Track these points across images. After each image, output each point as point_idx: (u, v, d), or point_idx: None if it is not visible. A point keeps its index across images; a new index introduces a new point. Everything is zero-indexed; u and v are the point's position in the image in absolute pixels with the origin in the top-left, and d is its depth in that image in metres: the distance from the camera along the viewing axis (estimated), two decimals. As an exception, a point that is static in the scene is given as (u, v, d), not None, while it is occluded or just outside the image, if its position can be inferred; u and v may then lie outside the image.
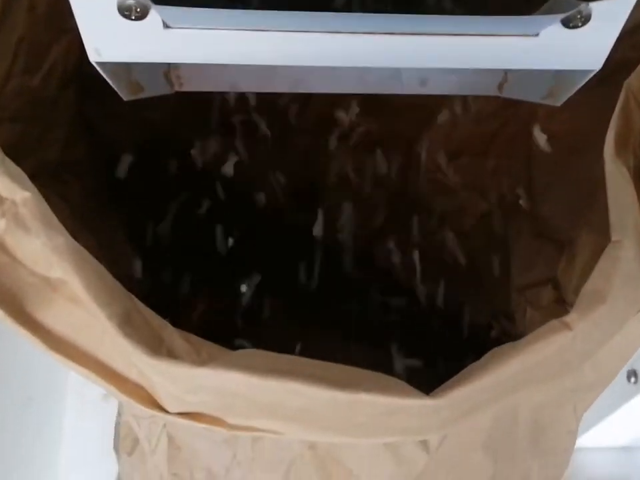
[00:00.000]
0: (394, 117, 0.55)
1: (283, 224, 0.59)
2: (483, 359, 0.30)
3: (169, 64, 0.37)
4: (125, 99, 0.33)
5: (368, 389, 0.25)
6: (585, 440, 0.69)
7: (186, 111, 0.51)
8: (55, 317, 0.27)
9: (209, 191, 0.56)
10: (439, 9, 0.43)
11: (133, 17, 0.28)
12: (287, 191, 0.58)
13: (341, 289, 0.59)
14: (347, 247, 0.59)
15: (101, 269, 0.27)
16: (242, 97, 0.53)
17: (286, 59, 0.30)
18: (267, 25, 0.29)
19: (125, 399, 0.27)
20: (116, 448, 0.44)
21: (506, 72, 0.40)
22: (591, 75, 0.33)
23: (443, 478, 0.33)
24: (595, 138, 0.42)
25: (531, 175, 0.49)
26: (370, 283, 0.60)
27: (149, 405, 0.28)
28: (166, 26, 0.28)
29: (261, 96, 0.53)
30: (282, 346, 0.29)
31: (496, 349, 0.32)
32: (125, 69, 0.32)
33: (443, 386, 0.26)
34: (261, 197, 0.58)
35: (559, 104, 0.36)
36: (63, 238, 0.26)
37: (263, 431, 0.27)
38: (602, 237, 0.39)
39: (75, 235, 0.38)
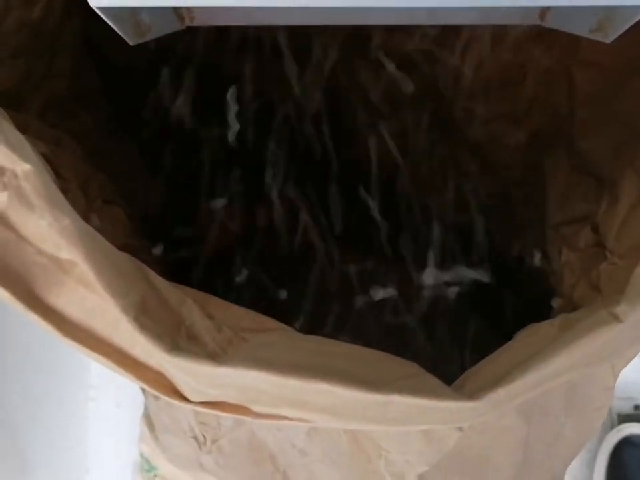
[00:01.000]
0: (426, 41, 0.50)
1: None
2: (521, 339, 0.29)
3: None
4: (131, 43, 0.30)
5: (400, 390, 0.23)
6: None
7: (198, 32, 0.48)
8: (67, 300, 0.25)
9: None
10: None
11: None
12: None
13: (367, 222, 0.58)
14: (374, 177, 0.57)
15: (113, 250, 0.26)
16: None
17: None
18: None
19: (144, 386, 0.26)
20: (142, 389, 0.44)
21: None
22: None
23: (475, 443, 0.33)
24: None
25: (572, 106, 0.45)
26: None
27: (171, 394, 0.26)
28: None
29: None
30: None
31: (535, 327, 0.30)
32: (129, 10, 0.29)
33: (480, 383, 0.24)
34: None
35: (609, 40, 0.32)
36: (69, 219, 0.24)
37: (291, 419, 0.26)
38: None
39: (89, 179, 0.37)
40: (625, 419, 0.70)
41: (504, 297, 0.56)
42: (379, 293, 0.59)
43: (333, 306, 0.58)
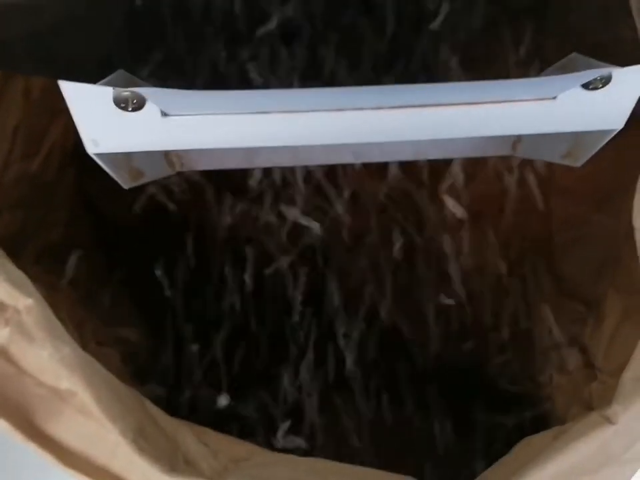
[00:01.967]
0: (401, 178, 0.53)
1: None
2: (517, 452, 0.29)
3: None
4: (125, 187, 0.32)
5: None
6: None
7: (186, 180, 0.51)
8: (66, 429, 0.26)
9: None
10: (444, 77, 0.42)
11: (130, 109, 0.27)
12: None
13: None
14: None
15: (111, 378, 0.26)
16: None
17: (288, 140, 0.29)
18: (267, 106, 0.28)
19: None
20: None
21: (520, 132, 0.40)
22: (613, 134, 0.31)
23: None
24: (615, 194, 0.41)
25: (550, 231, 0.47)
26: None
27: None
28: (163, 114, 0.28)
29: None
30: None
31: (530, 439, 0.30)
32: (124, 157, 0.31)
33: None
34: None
35: (579, 164, 0.34)
36: (69, 348, 0.25)
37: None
38: (630, 298, 0.37)
39: (83, 323, 0.38)
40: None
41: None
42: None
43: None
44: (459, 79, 0.44)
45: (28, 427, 0.26)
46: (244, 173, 0.49)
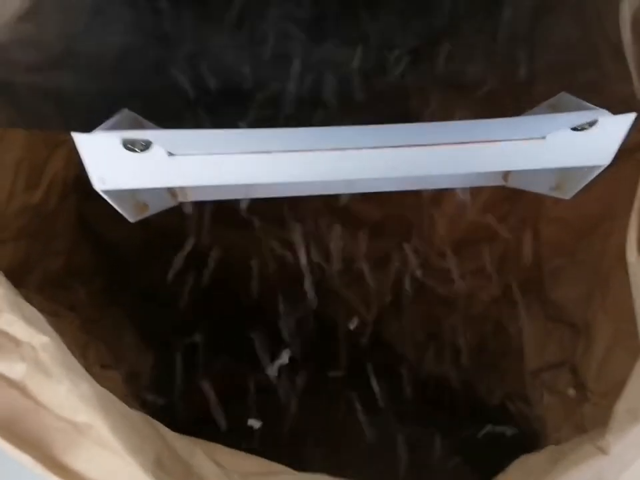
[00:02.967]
0: (395, 205, 0.55)
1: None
2: (512, 471, 0.29)
3: None
4: (131, 220, 0.33)
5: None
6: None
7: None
8: (85, 460, 0.27)
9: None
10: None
11: (137, 150, 0.28)
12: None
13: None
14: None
15: (126, 410, 0.27)
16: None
17: (290, 177, 0.30)
18: (269, 145, 0.29)
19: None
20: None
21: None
22: (601, 169, 0.32)
23: None
24: (603, 222, 0.43)
25: (540, 259, 0.49)
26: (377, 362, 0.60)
27: None
28: (170, 154, 0.29)
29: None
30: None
31: (525, 458, 0.31)
32: (129, 192, 0.32)
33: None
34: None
35: (568, 197, 0.35)
36: (87, 384, 0.26)
37: None
38: (619, 323, 0.39)
39: (86, 346, 0.38)
40: None
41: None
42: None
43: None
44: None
45: (49, 460, 0.26)
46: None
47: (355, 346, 0.59)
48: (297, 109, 0.45)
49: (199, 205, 0.50)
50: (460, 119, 0.37)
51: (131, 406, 0.37)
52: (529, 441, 0.47)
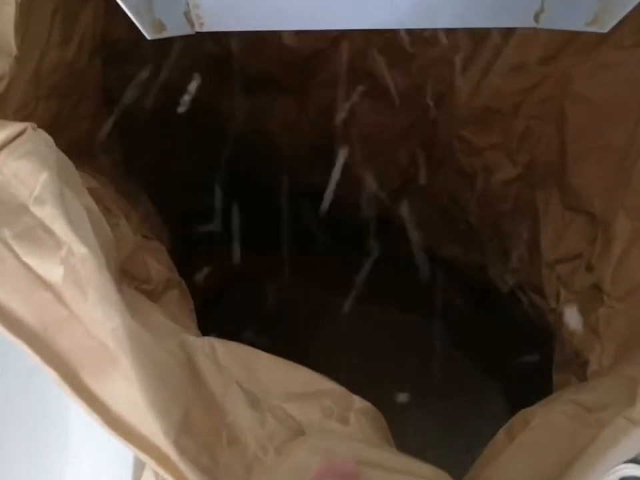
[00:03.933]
0: (420, 72, 0.51)
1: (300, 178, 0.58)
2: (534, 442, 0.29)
3: (188, 3, 0.34)
4: (148, 37, 0.32)
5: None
6: None
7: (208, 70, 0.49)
8: (112, 391, 0.25)
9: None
10: None
11: None
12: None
13: (357, 246, 0.58)
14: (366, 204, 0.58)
15: (159, 353, 0.26)
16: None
17: None
18: None
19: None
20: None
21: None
22: None
23: None
24: (633, 107, 0.41)
25: (564, 141, 0.47)
26: (388, 243, 0.59)
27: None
28: None
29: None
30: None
31: (545, 409, 0.30)
32: (146, 6, 0.30)
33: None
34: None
35: (605, 30, 0.33)
36: (120, 319, 0.24)
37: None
38: (638, 223, 0.38)
39: (129, 212, 0.37)
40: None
41: (494, 330, 0.57)
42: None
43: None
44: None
45: (76, 382, 0.25)
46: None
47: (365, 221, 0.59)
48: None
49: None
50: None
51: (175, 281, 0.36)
52: (541, 335, 0.48)
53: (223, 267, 0.60)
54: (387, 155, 0.57)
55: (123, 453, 0.42)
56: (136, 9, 0.30)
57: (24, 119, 0.33)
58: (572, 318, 0.43)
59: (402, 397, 0.55)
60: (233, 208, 0.55)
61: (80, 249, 0.25)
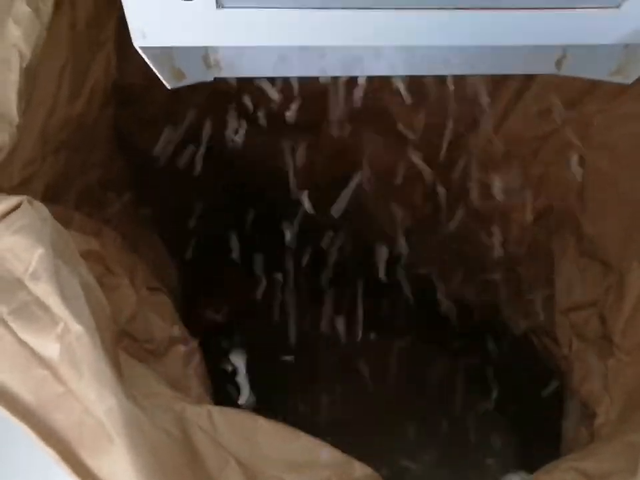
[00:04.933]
0: (436, 112, 0.50)
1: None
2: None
3: (207, 48, 0.34)
4: (169, 86, 0.31)
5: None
6: None
7: (218, 109, 0.49)
8: (111, 471, 0.24)
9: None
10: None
11: None
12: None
13: (374, 286, 0.58)
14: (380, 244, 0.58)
15: (156, 434, 0.25)
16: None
17: (344, 39, 0.28)
18: (329, 2, 0.26)
19: None
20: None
21: (565, 46, 0.34)
22: None
23: None
24: None
25: (582, 186, 0.46)
26: (400, 279, 0.59)
27: None
28: (219, 5, 0.26)
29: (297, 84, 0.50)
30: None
31: None
32: (167, 55, 0.30)
33: None
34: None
35: (629, 81, 0.32)
36: (115, 400, 0.24)
37: None
38: None
39: (134, 269, 0.37)
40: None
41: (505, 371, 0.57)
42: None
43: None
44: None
45: (74, 459, 0.24)
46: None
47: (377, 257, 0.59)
48: None
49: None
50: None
51: (180, 338, 0.36)
52: (552, 378, 0.48)
53: (233, 299, 0.61)
54: (401, 193, 0.56)
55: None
56: (156, 57, 0.29)
57: (30, 176, 0.33)
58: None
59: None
60: (242, 240, 0.56)
61: (75, 326, 0.24)
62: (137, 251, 0.41)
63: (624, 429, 0.35)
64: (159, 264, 0.45)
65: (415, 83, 0.49)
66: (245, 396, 0.53)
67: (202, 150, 0.49)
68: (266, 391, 0.53)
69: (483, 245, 0.55)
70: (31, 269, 0.25)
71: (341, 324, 0.60)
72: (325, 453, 0.30)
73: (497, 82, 0.46)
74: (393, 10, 0.27)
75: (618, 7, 0.27)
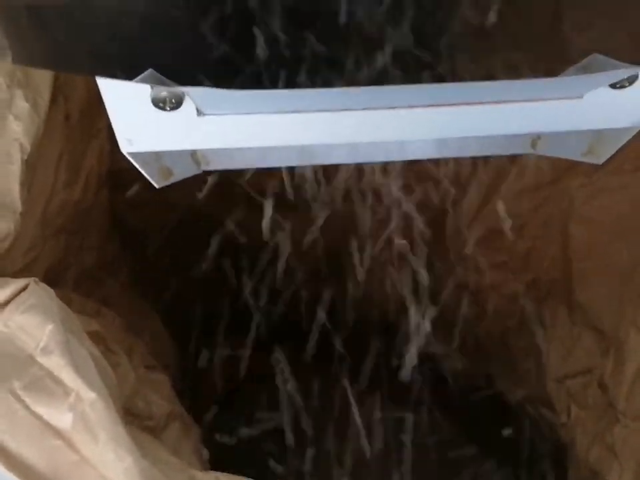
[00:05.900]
0: (422, 191, 0.52)
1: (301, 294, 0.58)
2: None
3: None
4: (157, 185, 0.32)
5: None
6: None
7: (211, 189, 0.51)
8: None
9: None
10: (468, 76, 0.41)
11: (168, 108, 0.27)
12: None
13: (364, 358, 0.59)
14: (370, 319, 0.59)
15: None
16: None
17: (322, 138, 0.29)
18: (301, 105, 0.28)
19: None
20: None
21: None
22: (635, 132, 0.31)
23: None
24: (635, 224, 0.42)
25: (569, 258, 0.48)
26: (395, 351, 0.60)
27: None
28: (199, 113, 0.27)
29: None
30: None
31: None
32: (154, 156, 0.31)
33: None
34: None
35: (600, 162, 0.34)
36: (131, 458, 0.25)
37: None
38: None
39: (132, 349, 0.38)
40: None
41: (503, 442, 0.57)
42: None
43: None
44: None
45: None
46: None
47: (378, 334, 0.60)
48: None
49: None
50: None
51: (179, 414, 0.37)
52: (558, 452, 0.48)
53: (233, 367, 0.61)
54: (391, 269, 0.57)
55: None
56: (144, 160, 0.31)
57: (32, 260, 0.34)
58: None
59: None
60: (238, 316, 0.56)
61: (88, 394, 0.26)
62: (135, 329, 0.41)
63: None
64: (156, 341, 0.46)
65: (398, 164, 0.50)
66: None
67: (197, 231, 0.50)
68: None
69: (473, 318, 0.56)
70: (42, 344, 0.27)
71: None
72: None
73: (481, 162, 0.48)
74: (367, 110, 0.28)
75: (581, 97, 0.29)
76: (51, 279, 0.36)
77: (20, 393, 0.26)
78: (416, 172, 0.51)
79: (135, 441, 0.27)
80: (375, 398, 0.60)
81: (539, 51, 0.42)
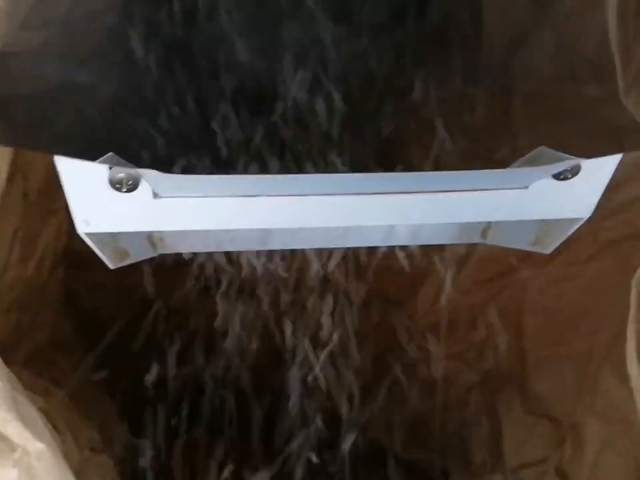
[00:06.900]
0: (378, 281, 0.53)
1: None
2: None
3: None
4: (111, 267, 0.32)
5: None
6: None
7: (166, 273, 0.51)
8: None
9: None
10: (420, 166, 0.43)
11: (124, 190, 0.28)
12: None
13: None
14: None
15: None
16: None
17: (278, 223, 0.30)
18: (258, 190, 0.29)
19: None
20: None
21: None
22: (580, 223, 0.32)
23: None
24: (589, 314, 0.43)
25: (523, 349, 0.49)
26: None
27: None
28: (156, 196, 0.28)
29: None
30: None
31: None
32: (111, 237, 0.31)
33: None
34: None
35: (547, 252, 0.35)
36: None
37: None
38: (611, 425, 0.39)
39: (79, 429, 0.37)
40: None
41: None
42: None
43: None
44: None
45: None
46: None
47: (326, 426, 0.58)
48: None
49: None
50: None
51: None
52: None
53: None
54: (346, 358, 0.56)
55: None
56: (100, 241, 0.31)
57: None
58: None
59: None
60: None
61: (36, 445, 0.25)
62: (86, 411, 0.41)
63: None
64: (105, 423, 0.45)
65: (352, 255, 0.51)
66: None
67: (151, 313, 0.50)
68: None
69: (427, 409, 0.56)
70: (-13, 401, 0.26)
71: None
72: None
73: (436, 254, 0.49)
74: (319, 196, 0.29)
75: (527, 187, 0.31)
76: (1, 354, 0.36)
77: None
78: (364, 261, 0.51)
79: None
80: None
81: (491, 144, 0.45)
